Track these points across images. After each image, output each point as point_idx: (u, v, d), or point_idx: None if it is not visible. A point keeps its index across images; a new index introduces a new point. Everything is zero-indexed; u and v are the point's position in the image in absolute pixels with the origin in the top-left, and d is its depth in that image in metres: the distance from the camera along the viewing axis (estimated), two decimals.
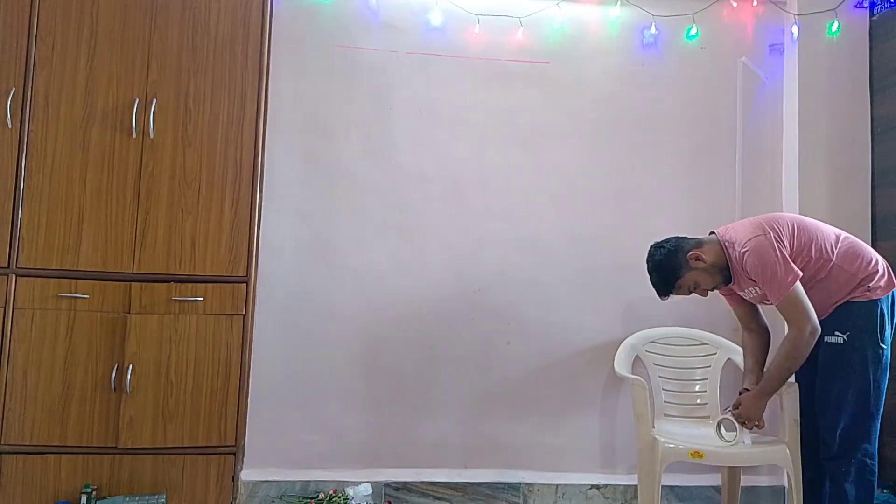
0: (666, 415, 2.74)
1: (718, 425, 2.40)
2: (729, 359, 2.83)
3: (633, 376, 2.51)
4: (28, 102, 2.57)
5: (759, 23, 3.13)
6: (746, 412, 2.34)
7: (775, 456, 2.36)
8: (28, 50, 2.58)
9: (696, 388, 2.81)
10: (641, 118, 3.08)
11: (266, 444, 2.79)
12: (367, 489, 2.73)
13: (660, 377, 2.66)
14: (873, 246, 2.94)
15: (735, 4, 3.10)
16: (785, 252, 2.24)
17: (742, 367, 2.56)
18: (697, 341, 2.87)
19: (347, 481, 2.76)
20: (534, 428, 2.92)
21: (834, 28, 3.00)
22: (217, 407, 2.59)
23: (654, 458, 2.31)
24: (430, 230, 2.96)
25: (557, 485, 2.83)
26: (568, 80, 3.06)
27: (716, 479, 2.84)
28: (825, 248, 2.31)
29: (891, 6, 2.95)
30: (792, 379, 2.37)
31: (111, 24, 2.64)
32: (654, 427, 2.48)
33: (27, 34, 2.58)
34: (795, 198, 2.98)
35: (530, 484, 2.86)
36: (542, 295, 2.97)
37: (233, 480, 2.61)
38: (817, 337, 2.24)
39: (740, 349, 2.69)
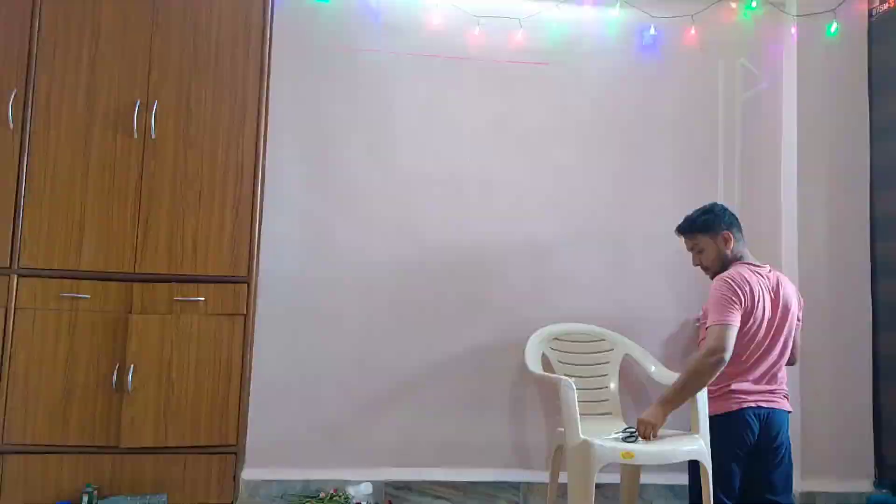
0: None
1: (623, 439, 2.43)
2: (626, 354, 2.84)
3: (561, 377, 2.47)
4: (30, 104, 2.58)
5: (759, 24, 3.14)
6: (645, 416, 2.42)
7: (698, 452, 2.37)
8: (30, 51, 2.59)
9: (598, 385, 2.81)
10: (641, 119, 3.09)
11: (267, 443, 2.80)
12: (367, 488, 2.74)
13: (564, 374, 2.63)
14: (872, 247, 2.96)
15: (734, 5, 3.10)
16: (735, 302, 2.39)
17: (638, 361, 2.82)
18: (596, 337, 2.88)
19: (348, 480, 2.77)
20: (534, 427, 2.92)
21: (833, 29, 3.01)
22: (218, 406, 2.60)
23: (588, 460, 2.27)
24: (431, 230, 2.97)
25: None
26: (567, 81, 3.07)
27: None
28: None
29: (889, 7, 2.95)
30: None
31: (113, 26, 2.65)
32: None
33: (29, 36, 2.60)
34: (794, 198, 2.99)
35: (530, 483, 2.86)
36: (541, 295, 2.98)
37: (234, 480, 2.63)
38: (719, 366, 2.34)
39: (636, 345, 2.83)
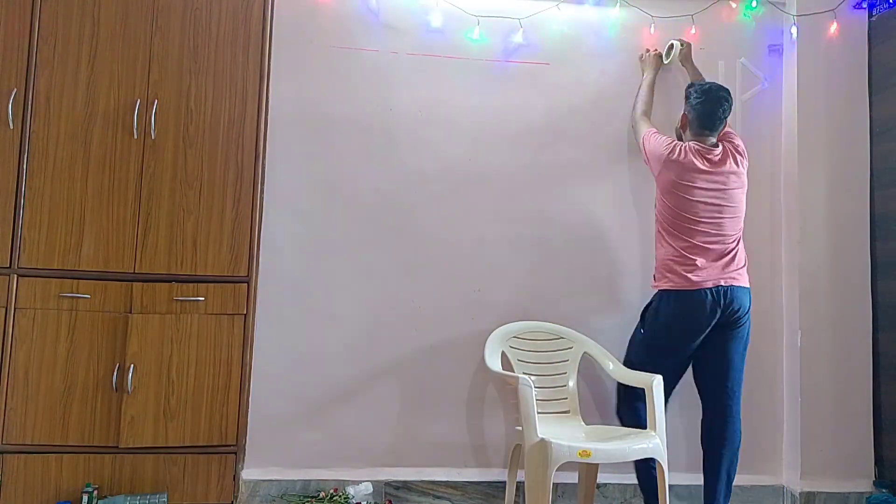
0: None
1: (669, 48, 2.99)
2: (585, 352, 2.84)
3: (519, 375, 2.47)
4: (30, 103, 2.58)
5: (759, 24, 3.14)
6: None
7: (654, 450, 2.39)
8: (29, 51, 2.59)
9: (557, 383, 2.81)
10: None
11: (267, 443, 2.80)
12: (367, 488, 2.74)
13: (524, 373, 2.62)
14: (872, 247, 2.97)
15: (734, 5, 3.11)
16: (662, 141, 2.76)
17: (597, 359, 2.85)
18: (555, 335, 2.88)
19: (348, 480, 2.77)
20: None
21: (833, 29, 3.01)
22: (218, 406, 2.60)
23: (545, 459, 2.26)
24: (430, 230, 2.97)
25: (557, 484, 2.84)
26: (567, 81, 3.07)
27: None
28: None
29: (889, 7, 2.95)
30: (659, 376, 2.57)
31: (112, 25, 2.65)
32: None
33: (28, 35, 2.59)
34: (795, 198, 2.99)
35: None
36: (541, 295, 2.98)
37: (234, 479, 2.62)
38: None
39: (595, 343, 2.86)
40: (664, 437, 2.44)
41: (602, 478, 2.85)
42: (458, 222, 2.98)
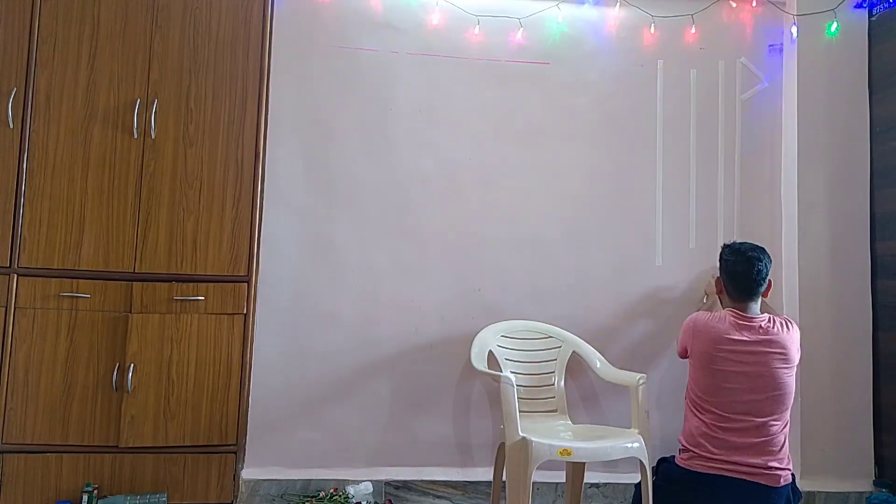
0: (520, 411, 2.65)
1: None
2: (574, 352, 2.85)
3: (502, 374, 2.47)
4: (30, 102, 2.57)
5: (759, 23, 3.14)
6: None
7: (635, 450, 2.38)
8: (29, 50, 2.59)
9: (544, 382, 2.81)
10: (641, 119, 3.09)
11: (267, 442, 2.80)
12: (367, 487, 2.74)
13: (511, 371, 2.62)
14: (872, 246, 2.96)
15: (734, 5, 3.10)
16: (684, 342, 2.52)
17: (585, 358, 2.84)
18: (543, 334, 2.88)
19: (348, 480, 2.77)
20: None
21: (833, 28, 3.01)
22: (218, 406, 2.60)
23: (525, 458, 2.26)
24: (430, 230, 2.97)
25: (557, 483, 2.84)
26: (568, 80, 3.07)
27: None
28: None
29: (890, 6, 2.95)
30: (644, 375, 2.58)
31: (112, 25, 2.64)
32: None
33: (28, 34, 2.59)
34: (794, 198, 2.99)
35: (533, 483, 2.86)
36: (541, 295, 2.98)
37: (234, 479, 2.62)
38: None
39: (584, 342, 2.86)
40: (647, 435, 2.42)
41: (602, 478, 2.86)
42: (458, 222, 2.98)
